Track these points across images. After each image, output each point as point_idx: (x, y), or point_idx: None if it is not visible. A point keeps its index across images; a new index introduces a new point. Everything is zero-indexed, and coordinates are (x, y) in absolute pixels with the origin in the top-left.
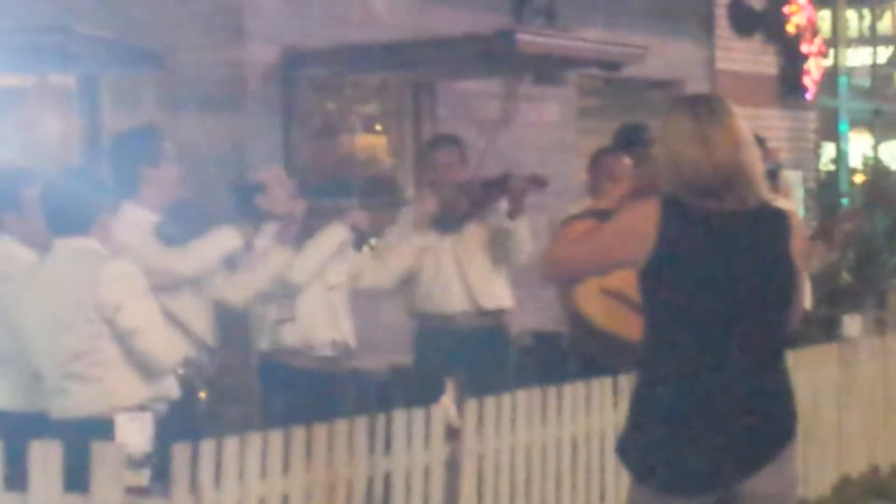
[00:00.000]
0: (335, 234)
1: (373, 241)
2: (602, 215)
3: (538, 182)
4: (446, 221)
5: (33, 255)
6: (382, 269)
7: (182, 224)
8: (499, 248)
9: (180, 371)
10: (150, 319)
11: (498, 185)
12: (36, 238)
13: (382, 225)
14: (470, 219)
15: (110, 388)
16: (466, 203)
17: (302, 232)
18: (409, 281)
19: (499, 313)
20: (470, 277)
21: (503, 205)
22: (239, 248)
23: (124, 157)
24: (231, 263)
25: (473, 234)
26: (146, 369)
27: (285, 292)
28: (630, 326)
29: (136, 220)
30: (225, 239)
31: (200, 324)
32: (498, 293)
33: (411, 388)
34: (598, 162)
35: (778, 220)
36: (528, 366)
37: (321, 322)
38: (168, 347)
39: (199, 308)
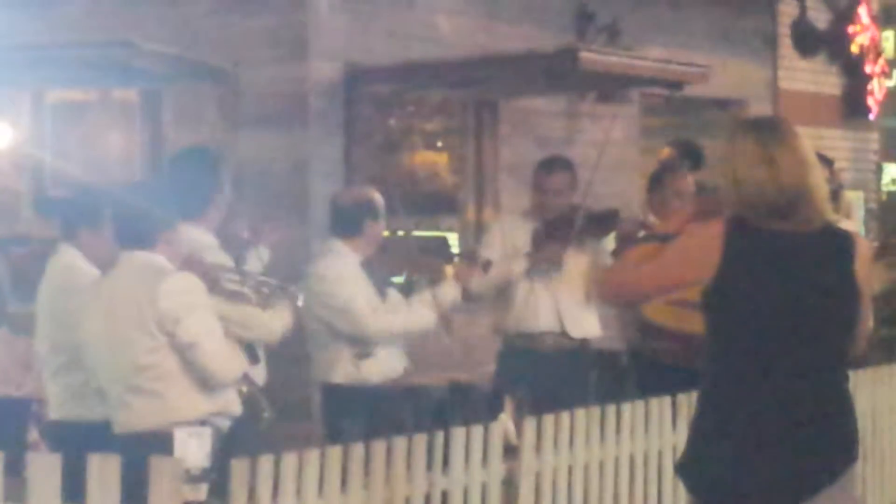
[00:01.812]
0: (425, 321)
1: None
2: (665, 239)
3: (647, 229)
4: (547, 245)
5: (94, 271)
6: (484, 279)
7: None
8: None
9: (244, 389)
10: (209, 333)
11: (607, 223)
12: (107, 256)
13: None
14: (571, 246)
15: (171, 402)
16: (570, 231)
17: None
18: (501, 297)
19: (584, 341)
20: (562, 303)
21: (608, 242)
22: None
23: (190, 180)
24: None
25: (572, 262)
26: (206, 383)
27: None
28: (700, 323)
29: (199, 242)
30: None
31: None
32: (586, 323)
33: (471, 405)
34: (659, 180)
35: (844, 242)
36: (608, 389)
37: (397, 355)
38: (227, 362)
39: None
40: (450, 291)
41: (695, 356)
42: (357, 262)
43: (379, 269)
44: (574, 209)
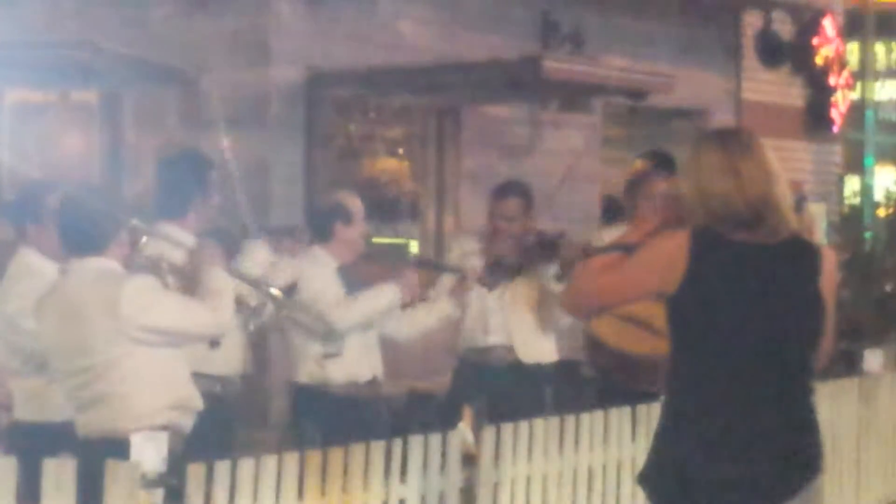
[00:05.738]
0: (387, 295)
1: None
2: (628, 249)
3: (590, 253)
4: (497, 272)
5: (54, 267)
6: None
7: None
8: (544, 307)
9: (217, 389)
10: (176, 318)
11: (551, 248)
12: (57, 249)
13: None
14: (519, 272)
15: (129, 408)
16: (518, 258)
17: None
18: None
19: (537, 365)
20: (513, 330)
21: (552, 267)
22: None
23: (176, 181)
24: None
25: (522, 288)
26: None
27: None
28: (639, 343)
29: (180, 243)
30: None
31: (236, 350)
32: (539, 348)
33: (429, 413)
34: (634, 190)
35: (810, 254)
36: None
37: (363, 359)
38: (206, 316)
39: (235, 335)
40: (443, 307)
41: (629, 377)
42: (333, 268)
43: (359, 277)
44: (523, 236)
